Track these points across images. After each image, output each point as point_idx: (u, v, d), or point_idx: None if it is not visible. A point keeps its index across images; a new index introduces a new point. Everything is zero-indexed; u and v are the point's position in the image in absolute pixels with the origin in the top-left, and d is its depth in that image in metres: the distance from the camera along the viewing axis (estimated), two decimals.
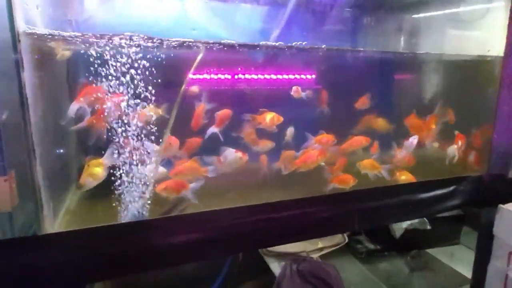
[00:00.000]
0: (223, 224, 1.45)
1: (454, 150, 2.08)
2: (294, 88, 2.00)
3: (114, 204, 1.44)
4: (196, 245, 1.42)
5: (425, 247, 2.59)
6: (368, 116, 2.12)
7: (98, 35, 1.36)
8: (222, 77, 2.09)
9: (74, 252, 1.23)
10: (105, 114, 1.41)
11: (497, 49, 1.93)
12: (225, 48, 1.68)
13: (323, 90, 2.16)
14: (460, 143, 2.10)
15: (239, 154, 1.67)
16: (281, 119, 1.84)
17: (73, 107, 1.41)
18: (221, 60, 2.01)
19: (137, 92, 1.42)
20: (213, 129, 1.76)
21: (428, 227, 2.45)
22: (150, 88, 1.43)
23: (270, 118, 1.82)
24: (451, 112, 2.17)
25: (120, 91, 1.40)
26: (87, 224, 1.27)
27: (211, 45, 1.64)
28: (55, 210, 1.39)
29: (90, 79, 1.38)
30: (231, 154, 1.66)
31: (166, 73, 1.47)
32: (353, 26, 2.44)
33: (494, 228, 1.73)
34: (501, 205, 1.72)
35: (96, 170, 1.40)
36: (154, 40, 1.48)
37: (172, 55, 1.61)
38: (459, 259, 2.48)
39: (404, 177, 1.92)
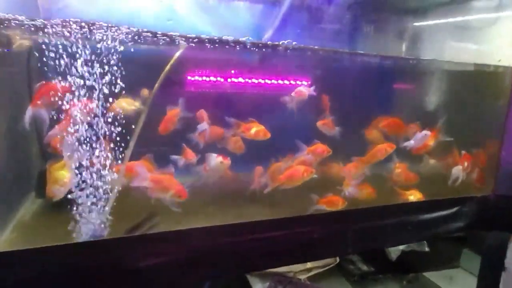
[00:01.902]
0: (200, 245, 1.32)
1: (459, 171, 1.89)
2: (298, 89, 1.78)
3: (74, 214, 1.25)
4: (168, 269, 1.28)
5: (423, 270, 2.50)
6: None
7: (62, 23, 1.18)
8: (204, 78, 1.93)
9: (19, 276, 1.09)
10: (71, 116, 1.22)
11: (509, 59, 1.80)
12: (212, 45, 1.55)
13: (323, 96, 1.98)
14: (466, 164, 1.91)
15: (220, 158, 1.56)
16: (268, 135, 1.67)
17: (28, 114, 1.23)
18: (209, 60, 1.89)
19: (105, 90, 1.24)
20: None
21: (426, 249, 2.38)
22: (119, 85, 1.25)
23: (255, 130, 1.65)
24: (456, 154, 1.99)
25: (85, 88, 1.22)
26: (41, 242, 1.11)
27: (194, 41, 1.48)
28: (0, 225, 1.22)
29: (53, 74, 1.20)
30: (212, 159, 1.56)
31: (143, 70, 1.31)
32: (354, 29, 2.30)
33: (507, 260, 1.56)
34: None
35: (61, 174, 1.23)
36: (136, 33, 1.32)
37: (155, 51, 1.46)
38: (459, 285, 2.38)
39: (413, 197, 1.78)
